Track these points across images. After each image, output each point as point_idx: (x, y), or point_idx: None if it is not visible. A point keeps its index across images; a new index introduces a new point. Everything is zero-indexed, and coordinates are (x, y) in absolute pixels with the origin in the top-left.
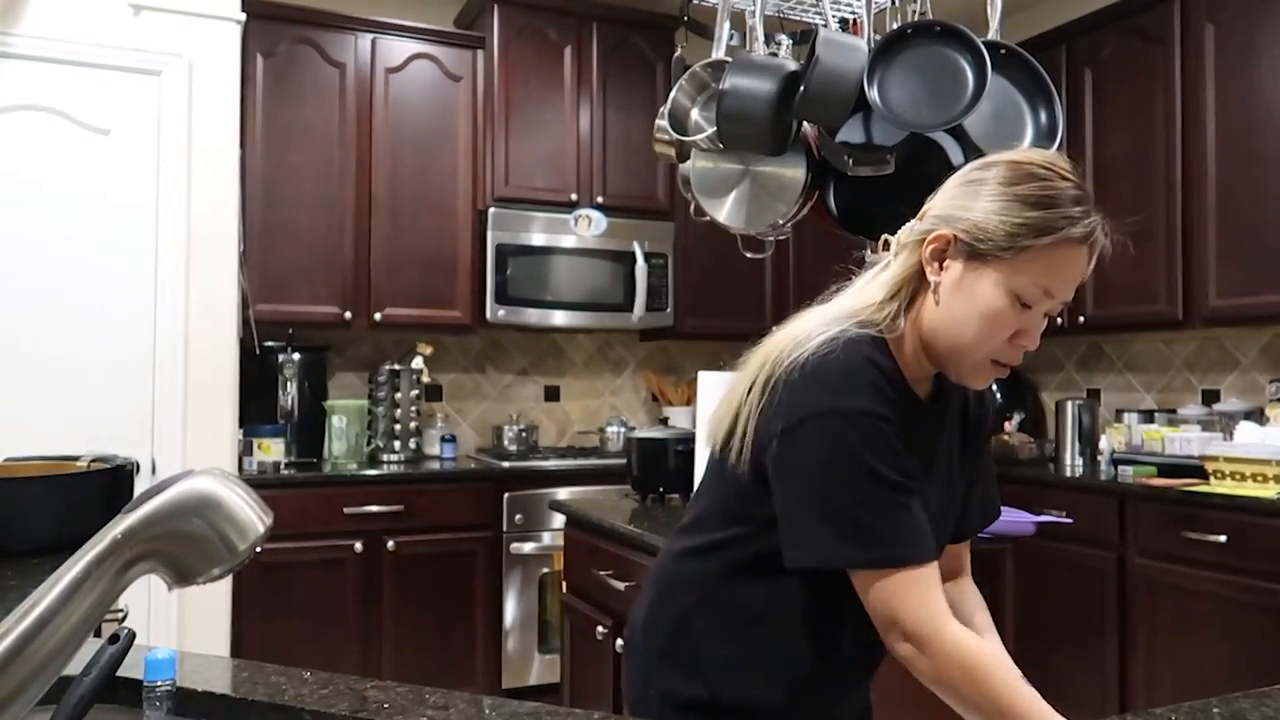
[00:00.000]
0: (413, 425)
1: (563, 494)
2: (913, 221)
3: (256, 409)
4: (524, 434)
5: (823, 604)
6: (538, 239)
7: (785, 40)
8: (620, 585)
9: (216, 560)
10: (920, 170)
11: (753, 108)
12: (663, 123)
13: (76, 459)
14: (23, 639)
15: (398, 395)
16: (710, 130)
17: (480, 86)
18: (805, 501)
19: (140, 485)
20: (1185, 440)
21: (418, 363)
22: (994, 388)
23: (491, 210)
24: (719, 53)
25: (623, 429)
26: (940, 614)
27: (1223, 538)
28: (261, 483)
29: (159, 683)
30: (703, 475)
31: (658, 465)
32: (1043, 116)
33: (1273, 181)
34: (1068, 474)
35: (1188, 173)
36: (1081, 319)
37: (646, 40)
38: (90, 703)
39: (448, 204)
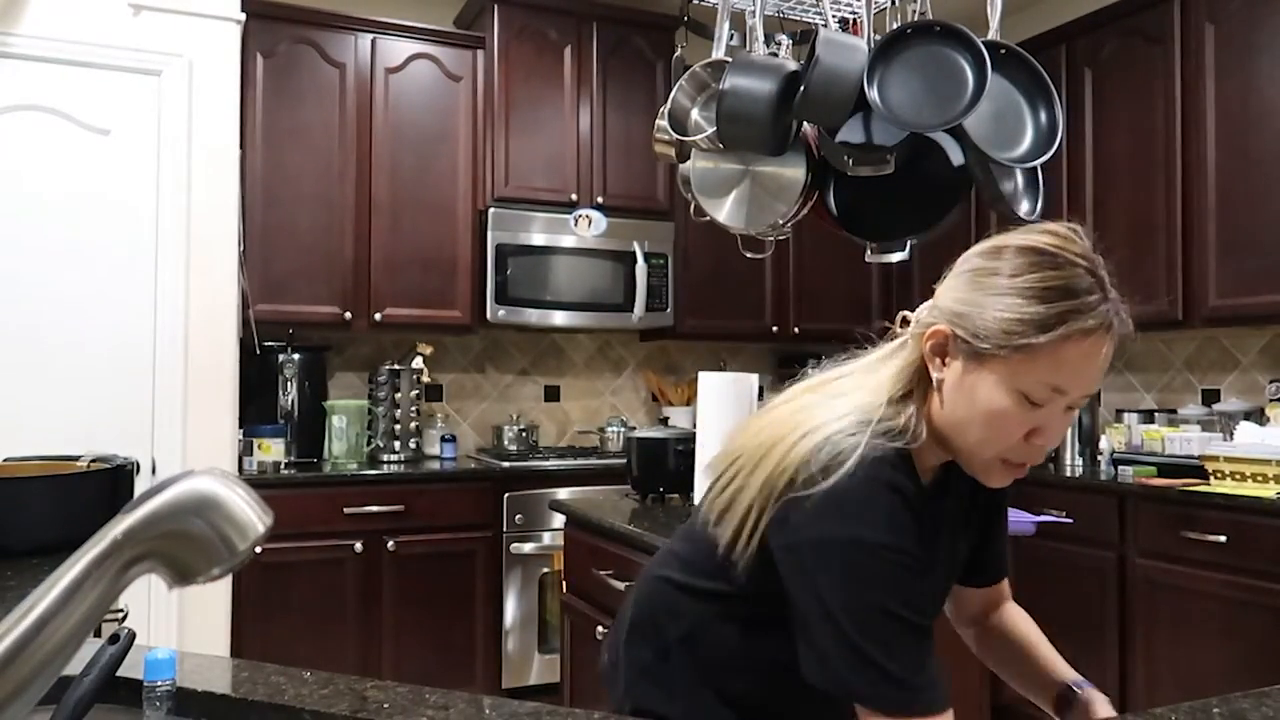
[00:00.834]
0: (413, 425)
1: (563, 494)
2: (925, 304)
3: (256, 409)
4: (524, 434)
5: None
6: (538, 239)
7: (785, 40)
8: (620, 585)
9: (216, 560)
10: (920, 170)
11: (753, 108)
12: (663, 123)
13: (76, 459)
14: (23, 639)
15: (398, 395)
16: (710, 130)
17: (480, 86)
18: (822, 630)
19: (140, 485)
20: (1185, 440)
21: (418, 363)
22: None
23: (491, 210)
24: (719, 53)
25: (623, 429)
26: None
27: (1223, 538)
28: (261, 483)
29: (159, 683)
30: (697, 516)
31: (658, 465)
32: (1043, 116)
33: (1273, 181)
34: (1068, 474)
35: (1187, 172)
36: None
37: (646, 40)
38: (90, 703)
39: (448, 204)
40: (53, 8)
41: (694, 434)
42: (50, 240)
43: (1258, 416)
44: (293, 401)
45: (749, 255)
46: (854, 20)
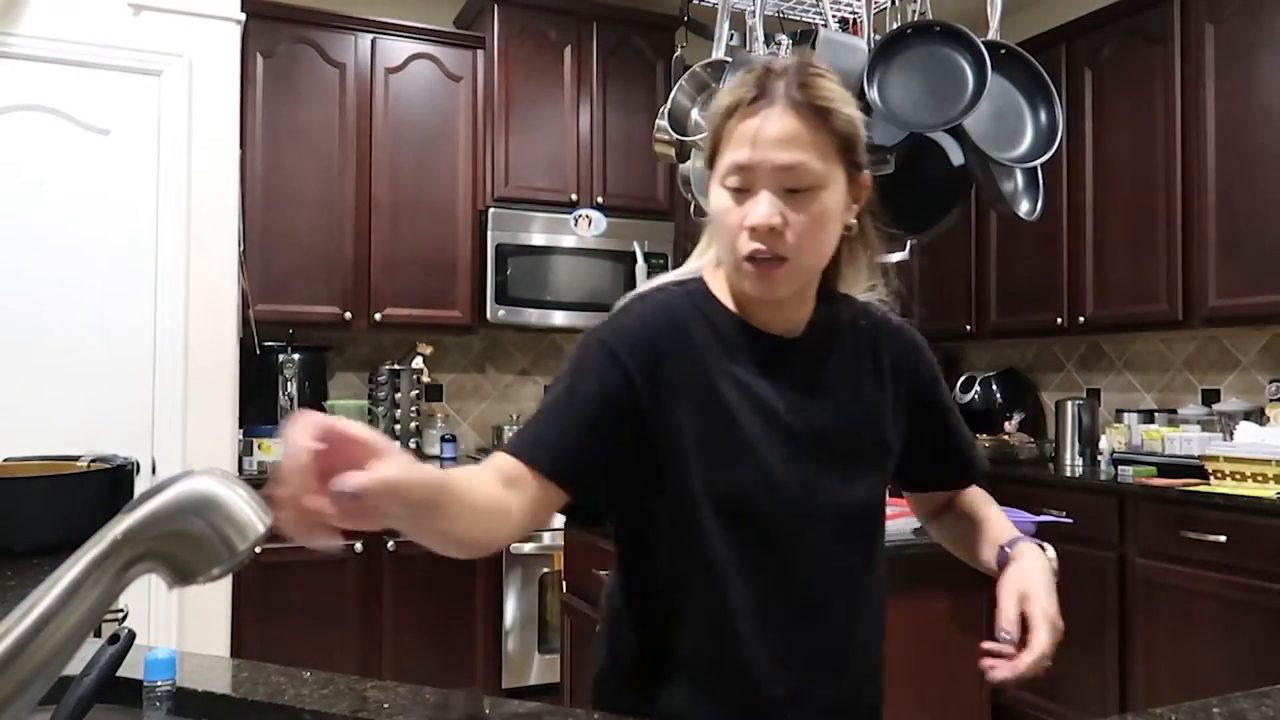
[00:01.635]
0: (413, 425)
1: None
2: None
3: (256, 409)
4: None
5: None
6: (538, 239)
7: (785, 40)
8: None
9: (216, 560)
10: (920, 170)
11: None
12: (663, 123)
13: (76, 459)
14: (23, 639)
15: (398, 395)
16: None
17: (480, 87)
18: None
19: (140, 485)
20: (1185, 440)
21: (418, 363)
22: (913, 336)
23: (491, 210)
24: (719, 53)
25: None
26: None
27: (1223, 538)
28: (261, 483)
29: (159, 683)
30: None
31: None
32: (1043, 116)
33: (1273, 181)
34: (1068, 474)
35: (1187, 172)
36: (1081, 319)
37: (646, 40)
38: (90, 703)
39: (447, 204)
40: (53, 8)
41: None
42: (50, 240)
43: (1258, 416)
44: (293, 401)
45: None
46: (854, 20)
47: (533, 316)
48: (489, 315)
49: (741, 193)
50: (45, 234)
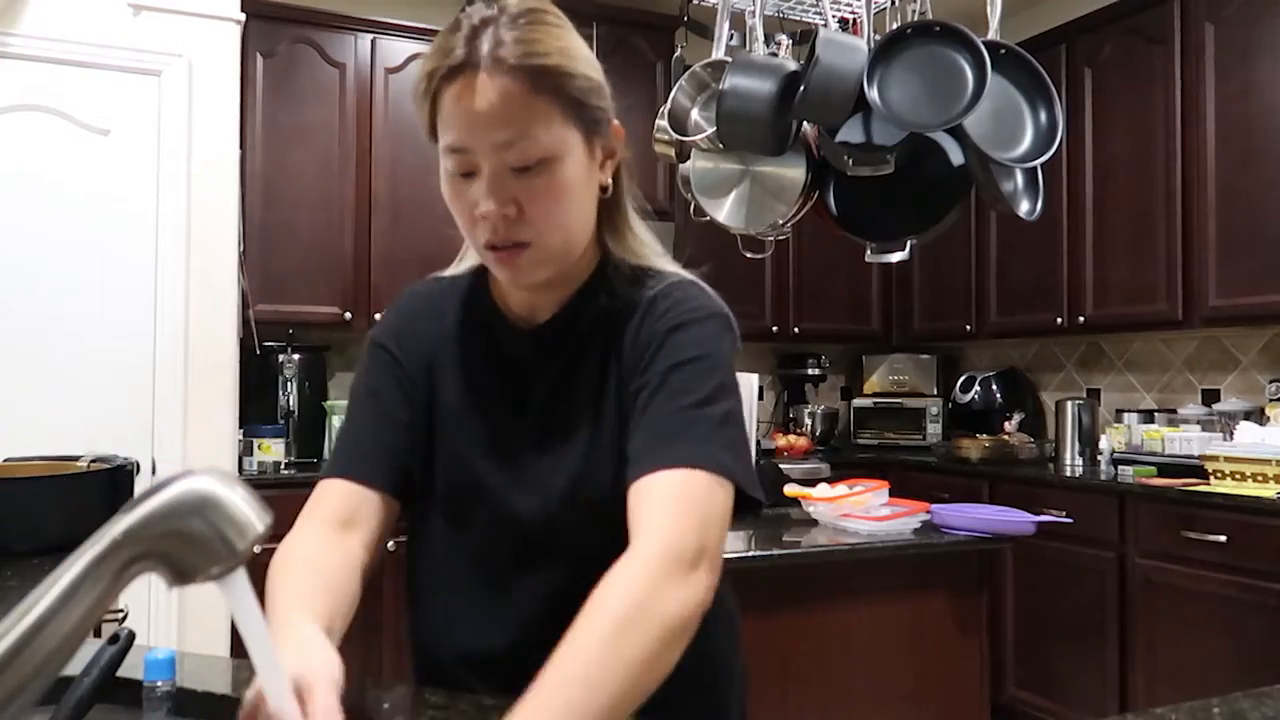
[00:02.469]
0: None
1: None
2: None
3: (256, 409)
4: None
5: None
6: None
7: (785, 40)
8: None
9: (216, 560)
10: (920, 170)
11: (753, 108)
12: (663, 123)
13: (76, 459)
14: (22, 639)
15: None
16: (710, 130)
17: None
18: None
19: (140, 485)
20: (1185, 440)
21: None
22: (666, 310)
23: None
24: (719, 53)
25: None
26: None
27: (1223, 538)
28: (261, 483)
29: (159, 683)
30: None
31: None
32: (1043, 116)
33: (1273, 181)
34: (1068, 474)
35: (1187, 172)
36: (1081, 319)
37: (646, 40)
38: (90, 703)
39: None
40: (53, 8)
41: None
42: (51, 240)
43: (1258, 416)
44: (293, 401)
45: (749, 255)
46: (854, 20)
47: None
48: None
49: (466, 176)
50: (45, 234)
